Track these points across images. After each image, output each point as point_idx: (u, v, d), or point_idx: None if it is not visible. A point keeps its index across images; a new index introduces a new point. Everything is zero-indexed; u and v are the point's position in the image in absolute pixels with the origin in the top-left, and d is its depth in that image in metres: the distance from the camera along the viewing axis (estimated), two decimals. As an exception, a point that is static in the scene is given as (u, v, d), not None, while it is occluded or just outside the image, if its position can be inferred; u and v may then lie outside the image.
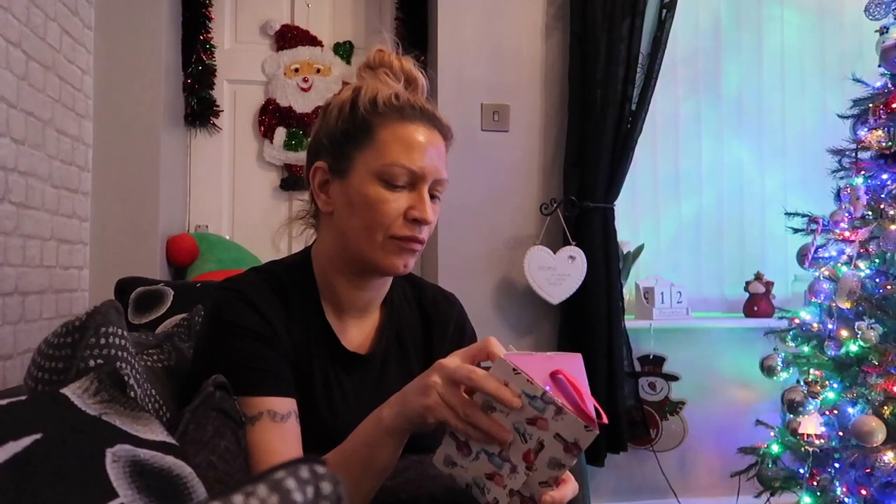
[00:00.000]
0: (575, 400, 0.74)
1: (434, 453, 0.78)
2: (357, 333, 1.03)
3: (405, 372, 1.04)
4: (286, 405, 0.91)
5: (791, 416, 2.06)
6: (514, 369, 0.73)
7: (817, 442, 1.94)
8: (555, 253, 2.27)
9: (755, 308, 2.52)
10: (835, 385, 2.00)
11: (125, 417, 0.61)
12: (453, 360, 0.78)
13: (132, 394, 0.69)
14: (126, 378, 0.69)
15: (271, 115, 2.59)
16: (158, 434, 0.63)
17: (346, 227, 0.95)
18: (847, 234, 2.06)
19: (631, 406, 2.37)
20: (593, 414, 0.72)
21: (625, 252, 2.46)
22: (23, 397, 0.57)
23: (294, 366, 0.95)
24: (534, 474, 0.74)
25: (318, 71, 2.61)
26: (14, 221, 1.77)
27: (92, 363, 0.67)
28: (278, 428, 0.89)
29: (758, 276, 2.54)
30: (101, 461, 0.54)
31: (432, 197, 0.96)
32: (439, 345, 1.08)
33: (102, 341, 0.69)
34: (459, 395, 0.75)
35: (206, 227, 2.56)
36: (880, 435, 1.79)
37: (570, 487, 0.78)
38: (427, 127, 0.95)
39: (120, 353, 0.70)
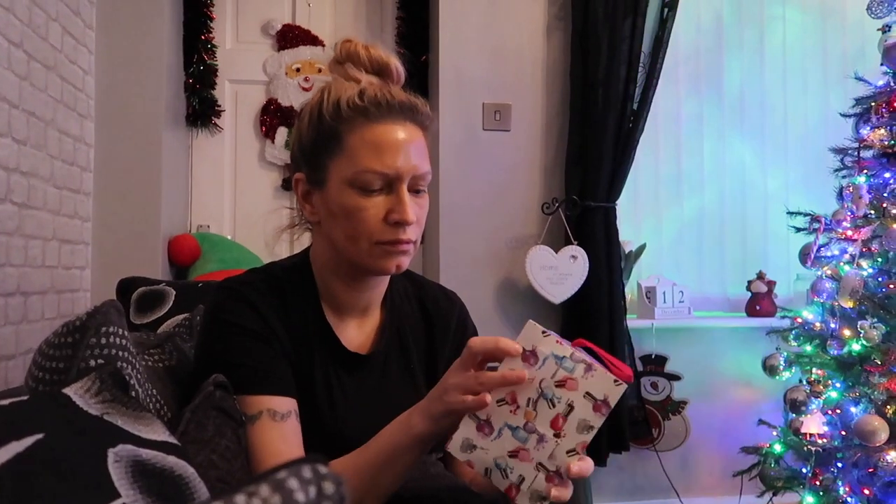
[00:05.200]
0: (601, 361, 0.76)
1: (449, 441, 0.77)
2: (357, 333, 1.02)
3: (406, 371, 1.04)
4: (286, 404, 0.90)
5: (793, 415, 2.06)
6: (543, 331, 0.75)
7: (820, 441, 1.94)
8: (556, 252, 2.27)
9: (757, 307, 2.51)
10: (837, 384, 2.00)
11: (127, 417, 0.61)
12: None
13: (133, 394, 0.69)
14: (128, 378, 0.69)
15: (273, 115, 2.59)
16: (160, 434, 0.63)
17: (332, 235, 0.94)
18: (849, 233, 2.05)
19: (633, 405, 2.36)
20: (621, 370, 0.75)
21: (627, 251, 2.45)
22: (24, 397, 0.57)
23: (294, 367, 0.95)
24: (562, 442, 0.74)
25: (320, 71, 2.61)
26: (16, 222, 1.77)
27: (93, 363, 0.67)
28: (278, 427, 0.88)
29: (760, 276, 2.54)
30: (103, 461, 0.54)
31: (417, 191, 0.93)
32: (441, 343, 1.08)
33: (103, 341, 0.69)
34: (467, 373, 0.77)
35: (208, 226, 2.56)
36: (883, 434, 1.79)
37: (590, 462, 0.77)
38: (398, 122, 0.90)
39: (121, 353, 0.70)
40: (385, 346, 1.03)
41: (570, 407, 0.73)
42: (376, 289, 1.02)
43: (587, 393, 0.73)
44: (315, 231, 1.01)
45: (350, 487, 0.81)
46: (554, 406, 0.74)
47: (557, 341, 0.75)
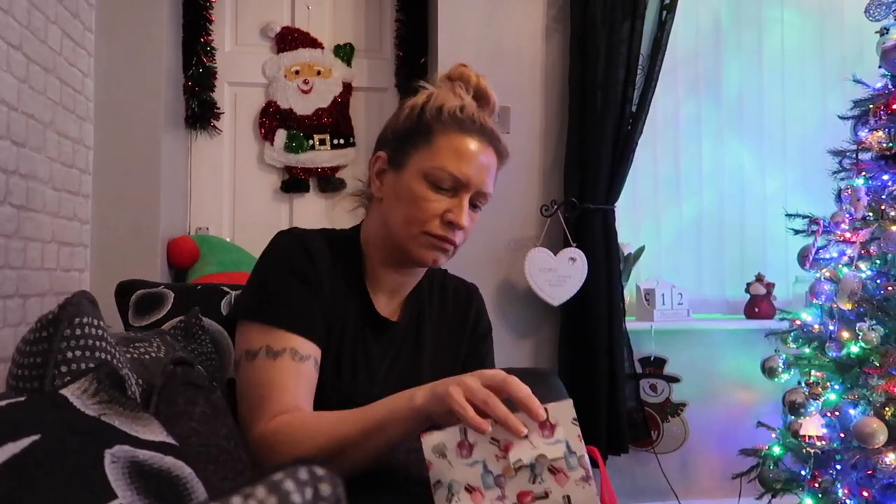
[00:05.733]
0: (601, 488, 0.76)
1: (428, 433, 0.75)
2: (385, 308, 1.12)
3: (416, 351, 1.13)
4: (309, 348, 0.97)
5: (792, 417, 2.06)
6: (573, 418, 0.74)
7: (819, 444, 1.93)
8: (555, 255, 2.27)
9: (756, 309, 2.51)
10: (836, 386, 2.00)
11: (124, 418, 0.61)
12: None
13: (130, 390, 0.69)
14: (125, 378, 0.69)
15: (272, 118, 2.59)
16: (158, 434, 0.63)
17: (389, 214, 1.05)
18: (848, 235, 2.05)
19: (632, 408, 2.36)
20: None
21: (625, 254, 2.45)
22: (21, 398, 0.57)
23: (329, 318, 1.02)
24: None
25: (319, 73, 2.62)
26: (15, 224, 1.78)
27: (70, 355, 0.67)
28: (295, 367, 0.95)
29: (759, 278, 2.54)
30: (100, 462, 0.54)
31: (474, 206, 1.04)
32: (457, 332, 1.19)
33: (78, 332, 0.69)
34: (483, 387, 0.77)
35: (207, 229, 2.56)
36: (882, 436, 1.79)
37: None
38: (482, 142, 1.03)
39: (98, 343, 0.70)
40: (406, 320, 1.13)
41: (546, 496, 0.72)
42: (411, 276, 1.13)
43: (567, 496, 0.72)
44: (373, 207, 1.11)
45: (341, 434, 0.86)
46: (533, 483, 0.72)
47: (579, 436, 0.73)
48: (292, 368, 0.95)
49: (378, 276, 1.10)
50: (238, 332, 1.01)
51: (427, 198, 1.00)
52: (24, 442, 0.50)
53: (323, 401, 0.98)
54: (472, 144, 1.02)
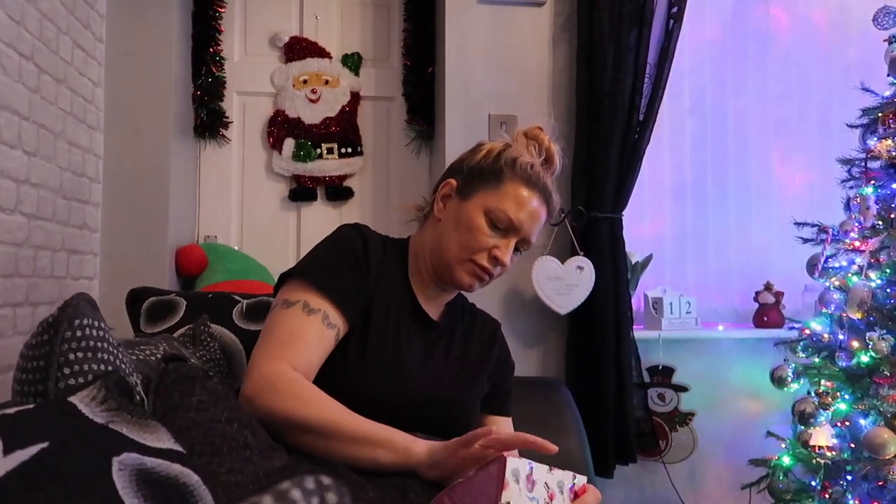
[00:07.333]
0: None
1: (511, 453, 0.87)
2: (426, 308, 1.21)
3: (448, 351, 1.22)
4: (338, 319, 1.07)
5: (802, 427, 2.04)
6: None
7: (829, 454, 1.92)
8: (563, 263, 2.27)
9: (765, 318, 2.50)
10: (846, 396, 1.99)
11: (132, 425, 0.62)
12: None
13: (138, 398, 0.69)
14: (108, 365, 0.69)
15: (280, 127, 2.60)
16: (165, 442, 0.63)
17: (445, 235, 1.17)
18: (857, 243, 2.04)
19: (640, 417, 2.35)
20: None
21: (633, 262, 2.45)
22: (30, 406, 0.57)
23: (370, 305, 1.12)
24: None
25: (327, 82, 2.63)
26: (25, 232, 1.79)
27: (72, 357, 0.68)
28: (322, 331, 1.05)
29: (767, 287, 2.53)
30: (107, 469, 0.54)
31: (517, 249, 1.18)
32: (483, 354, 1.27)
33: (79, 333, 0.69)
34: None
35: (215, 237, 2.57)
36: (893, 447, 1.77)
37: None
38: (539, 199, 1.17)
39: (100, 344, 0.70)
40: (444, 325, 1.24)
41: None
42: (445, 293, 1.24)
43: None
44: (429, 224, 1.23)
45: (337, 425, 0.93)
46: None
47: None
48: (320, 330, 1.04)
49: (420, 282, 1.21)
50: (281, 289, 1.11)
51: (483, 231, 1.14)
52: (33, 449, 0.51)
53: (352, 375, 1.06)
54: (532, 198, 1.16)
